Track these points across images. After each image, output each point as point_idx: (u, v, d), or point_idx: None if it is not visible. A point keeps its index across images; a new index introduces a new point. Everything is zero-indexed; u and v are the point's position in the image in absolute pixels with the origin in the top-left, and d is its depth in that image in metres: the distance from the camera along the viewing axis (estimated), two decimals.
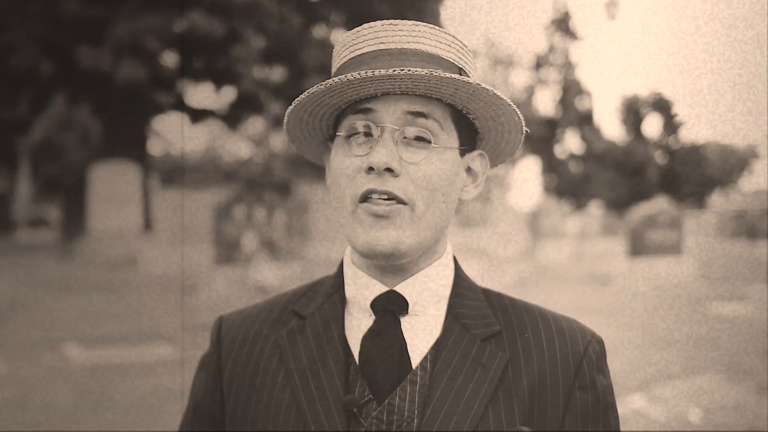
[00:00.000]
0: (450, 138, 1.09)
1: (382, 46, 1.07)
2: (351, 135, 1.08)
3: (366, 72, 1.00)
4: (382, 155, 1.03)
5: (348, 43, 1.11)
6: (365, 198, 1.05)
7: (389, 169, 1.04)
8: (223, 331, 1.20)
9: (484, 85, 1.05)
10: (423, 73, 1.00)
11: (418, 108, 1.06)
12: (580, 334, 1.14)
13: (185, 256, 15.14)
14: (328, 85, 1.03)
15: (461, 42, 1.12)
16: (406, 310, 1.11)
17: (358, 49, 1.09)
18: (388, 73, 1.00)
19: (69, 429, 5.21)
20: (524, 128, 1.13)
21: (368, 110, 1.06)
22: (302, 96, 1.07)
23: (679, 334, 8.74)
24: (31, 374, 6.74)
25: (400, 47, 1.07)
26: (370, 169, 1.04)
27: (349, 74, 1.01)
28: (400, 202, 1.05)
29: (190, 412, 1.22)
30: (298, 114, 1.11)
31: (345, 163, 1.07)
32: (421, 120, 1.06)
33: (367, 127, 1.07)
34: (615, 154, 43.87)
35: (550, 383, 1.09)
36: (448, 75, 1.02)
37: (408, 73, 1.00)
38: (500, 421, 1.05)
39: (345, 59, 1.10)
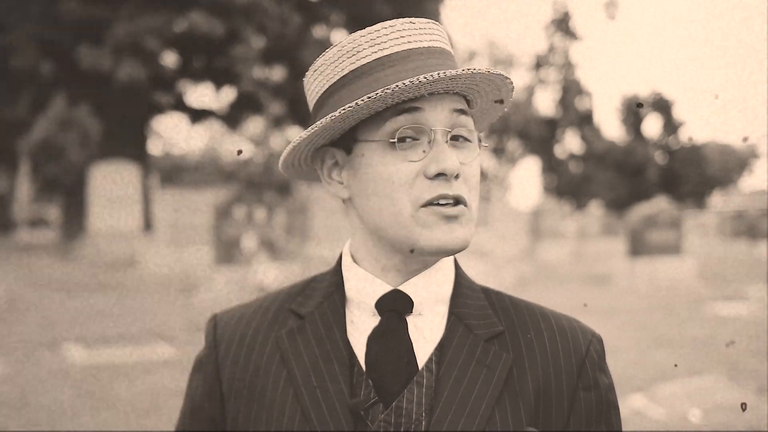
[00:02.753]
0: (476, 132, 1.12)
1: (410, 45, 1.06)
2: (396, 139, 1.05)
3: (439, 73, 0.99)
4: (453, 161, 1.03)
5: (366, 43, 1.07)
6: (430, 202, 1.04)
7: (456, 174, 1.04)
8: (219, 331, 1.18)
9: (511, 82, 1.10)
10: (496, 72, 1.05)
11: (461, 106, 1.07)
12: (581, 333, 1.15)
13: (185, 256, 15.13)
14: (395, 89, 0.99)
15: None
16: (411, 310, 1.10)
17: (383, 49, 1.06)
18: (457, 73, 1.01)
19: (69, 429, 5.21)
20: (506, 108, 1.17)
21: (415, 109, 1.04)
22: (358, 102, 1.01)
23: (679, 334, 8.74)
24: (31, 374, 6.73)
25: (426, 45, 1.08)
26: (438, 174, 1.03)
27: (422, 76, 0.99)
28: (464, 204, 1.06)
29: (187, 414, 1.20)
30: (352, 117, 1.05)
31: (398, 169, 1.04)
32: (464, 118, 1.08)
33: (414, 130, 1.05)
34: (615, 154, 43.89)
35: (555, 384, 1.10)
36: (502, 73, 1.06)
37: (476, 72, 1.03)
38: (507, 422, 1.06)
39: (367, 59, 1.06)
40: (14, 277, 13.20)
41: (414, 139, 1.04)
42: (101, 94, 22.64)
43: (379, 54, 1.06)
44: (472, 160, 1.07)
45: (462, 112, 1.07)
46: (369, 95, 1.00)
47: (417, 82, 0.99)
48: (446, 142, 1.04)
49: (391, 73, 1.04)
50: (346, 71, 1.08)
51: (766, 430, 5.13)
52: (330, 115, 1.03)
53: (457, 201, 1.04)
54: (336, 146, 1.12)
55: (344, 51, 1.08)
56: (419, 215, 1.04)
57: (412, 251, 1.06)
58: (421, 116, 1.04)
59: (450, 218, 1.04)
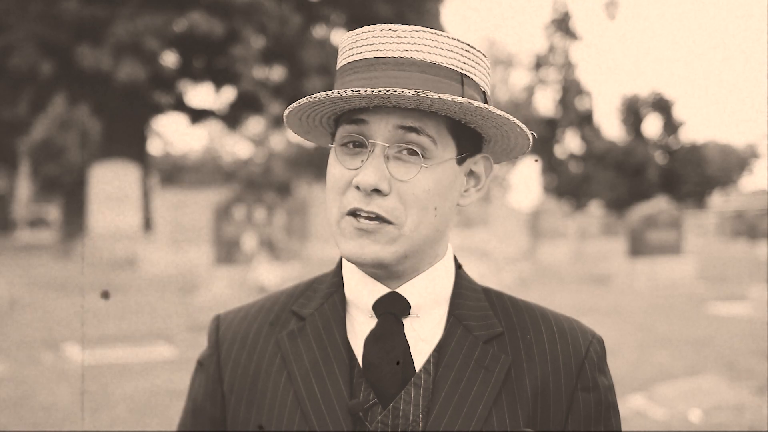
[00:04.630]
0: (445, 150, 1.07)
1: (379, 54, 1.06)
2: (344, 144, 1.08)
3: (352, 90, 1.00)
4: (369, 176, 1.03)
5: (347, 45, 1.10)
6: (352, 212, 1.06)
7: (377, 190, 1.03)
8: (221, 332, 1.19)
9: (476, 104, 1.02)
10: (409, 94, 0.99)
11: (410, 123, 1.04)
12: (581, 334, 1.15)
13: (185, 256, 15.13)
14: (317, 99, 1.03)
15: (467, 44, 1.08)
16: (408, 312, 1.11)
17: (356, 54, 1.08)
18: (373, 93, 0.99)
19: (69, 429, 5.21)
20: (531, 133, 1.11)
21: (361, 121, 1.06)
22: (294, 105, 1.07)
23: (679, 334, 8.74)
24: (31, 374, 6.74)
25: (397, 56, 1.05)
26: (357, 187, 1.04)
27: (336, 91, 1.01)
28: (386, 221, 1.04)
29: (189, 413, 1.21)
30: (295, 117, 1.12)
31: (337, 174, 1.07)
32: (413, 135, 1.04)
33: (360, 139, 1.06)
34: (615, 154, 43.88)
35: (553, 385, 1.10)
36: (435, 96, 0.99)
37: (394, 94, 0.99)
38: (504, 423, 1.06)
39: (344, 62, 1.10)
40: (14, 277, 13.20)
41: (364, 146, 1.06)
42: (101, 94, 22.65)
43: (354, 58, 1.08)
44: (413, 176, 1.04)
45: (412, 130, 1.04)
46: (292, 105, 1.07)
47: (332, 95, 1.01)
48: (386, 156, 1.04)
49: (352, 79, 1.06)
50: (339, 66, 1.12)
51: (766, 430, 5.13)
52: (284, 112, 1.11)
53: (376, 216, 1.04)
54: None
55: (341, 48, 1.12)
56: (341, 223, 1.07)
57: None
58: (365, 128, 1.05)
59: (363, 232, 1.05)
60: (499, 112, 1.04)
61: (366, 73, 1.05)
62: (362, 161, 1.05)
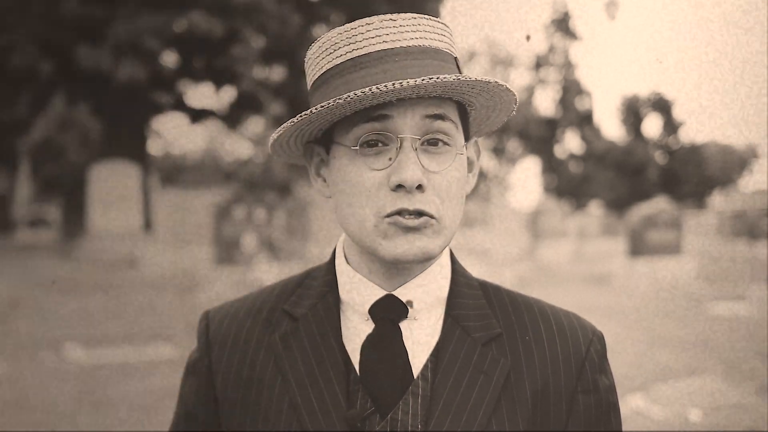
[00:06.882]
0: (460, 136, 1.06)
1: (386, 45, 1.01)
2: (363, 144, 1.02)
3: (394, 84, 0.94)
4: (412, 173, 0.98)
5: (342, 41, 1.03)
6: (390, 214, 1.01)
7: (419, 186, 1.00)
8: (212, 333, 1.15)
9: (503, 83, 1.03)
10: (451, 79, 0.96)
11: (435, 110, 1.01)
12: (582, 332, 1.12)
13: (185, 256, 15.13)
14: (350, 98, 0.96)
15: (444, 24, 1.08)
16: (406, 315, 1.08)
17: (358, 49, 1.02)
18: (417, 82, 0.94)
19: (69, 429, 5.21)
20: (514, 111, 1.12)
21: (383, 117, 1.00)
22: (315, 109, 0.99)
23: (679, 334, 8.73)
24: (31, 374, 6.73)
25: (405, 45, 1.02)
26: (398, 186, 1.00)
27: (374, 87, 0.94)
28: (429, 216, 1.01)
29: (181, 418, 1.18)
30: (299, 126, 1.05)
31: (363, 177, 1.01)
32: (439, 123, 1.02)
33: (384, 136, 1.01)
34: (615, 154, 43.89)
35: (553, 387, 1.07)
36: (476, 78, 0.99)
37: (439, 80, 0.95)
38: (504, 429, 1.04)
39: (342, 59, 1.03)
40: (14, 277, 13.19)
41: (384, 144, 1.01)
42: (101, 94, 22.63)
43: (354, 54, 1.02)
44: (448, 166, 1.02)
45: (438, 117, 1.01)
46: (322, 104, 0.98)
47: (369, 92, 0.94)
48: (415, 149, 1.00)
49: (362, 75, 1.00)
50: (324, 69, 1.05)
51: (766, 430, 5.13)
52: (290, 120, 1.03)
53: (421, 213, 1.00)
54: (320, 144, 1.10)
55: (324, 48, 1.06)
56: (381, 226, 1.01)
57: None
58: (389, 123, 1.00)
59: (410, 229, 1.01)
60: (512, 87, 1.06)
61: (377, 67, 1.00)
62: (390, 159, 1.01)
